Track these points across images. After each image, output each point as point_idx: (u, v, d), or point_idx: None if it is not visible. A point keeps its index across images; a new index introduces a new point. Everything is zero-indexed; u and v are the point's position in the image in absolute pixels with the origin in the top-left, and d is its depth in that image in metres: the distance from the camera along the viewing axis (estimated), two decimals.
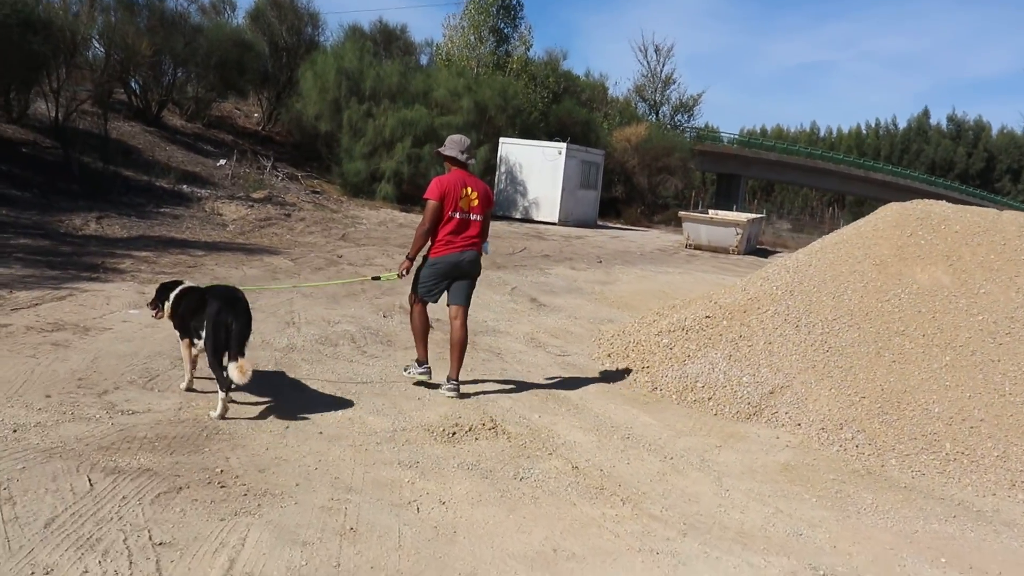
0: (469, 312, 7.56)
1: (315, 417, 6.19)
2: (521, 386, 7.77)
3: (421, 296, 7.33)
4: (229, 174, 23.28)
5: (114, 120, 21.30)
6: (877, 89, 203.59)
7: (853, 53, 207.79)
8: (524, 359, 8.95)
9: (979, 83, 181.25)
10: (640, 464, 5.98)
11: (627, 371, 8.68)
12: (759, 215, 32.31)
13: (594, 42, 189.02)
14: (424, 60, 38.73)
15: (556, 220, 29.31)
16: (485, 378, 7.90)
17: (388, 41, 36.42)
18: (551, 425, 6.63)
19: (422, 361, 7.44)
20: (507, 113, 31.73)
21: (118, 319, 8.45)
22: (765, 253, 28.25)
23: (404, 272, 7.33)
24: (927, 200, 10.42)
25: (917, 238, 9.20)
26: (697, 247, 26.13)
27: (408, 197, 26.74)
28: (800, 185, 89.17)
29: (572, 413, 7.05)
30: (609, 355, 9.31)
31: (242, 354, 5.87)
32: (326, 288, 11.56)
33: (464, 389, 7.32)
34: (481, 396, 7.23)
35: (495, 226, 25.36)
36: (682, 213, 28.35)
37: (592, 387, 8.08)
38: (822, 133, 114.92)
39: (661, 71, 51.83)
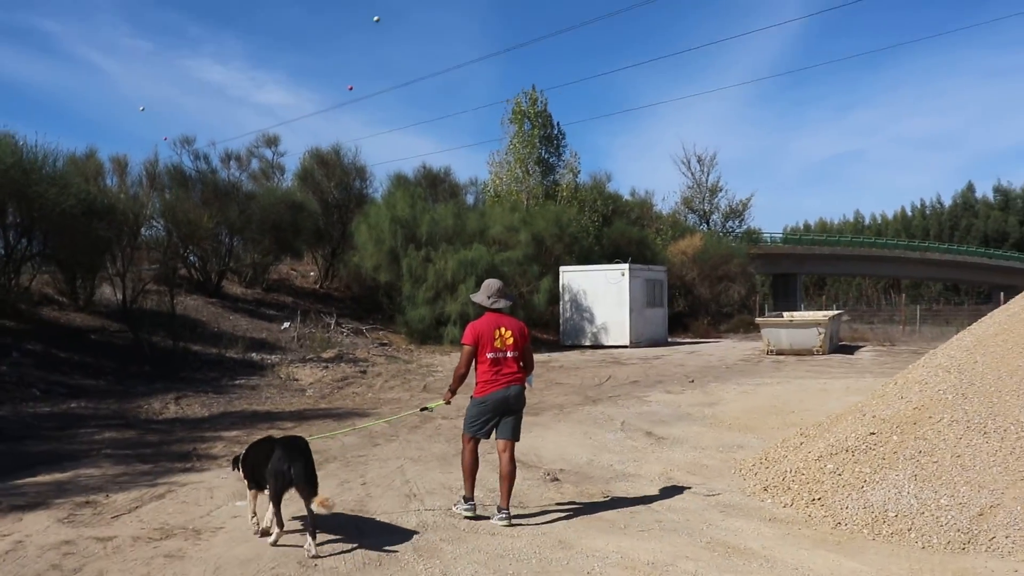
0: (594, 458, 9.03)
1: None
2: (691, 540, 6.80)
3: (472, 434, 7.64)
4: (295, 336, 22.84)
5: (176, 296, 20.99)
6: (910, 171, 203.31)
7: (881, 139, 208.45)
8: (674, 506, 7.98)
9: (1013, 152, 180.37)
10: None
11: (795, 506, 7.68)
12: (838, 312, 31.21)
13: (623, 162, 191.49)
14: (471, 199, 38.78)
15: (628, 343, 28.50)
16: (650, 537, 6.92)
17: (433, 185, 36.50)
18: None
19: (468, 498, 7.67)
20: (563, 241, 31.30)
21: (227, 514, 7.65)
22: (849, 350, 27.13)
23: (448, 401, 8.01)
24: None
25: None
26: (779, 352, 25.12)
27: None
28: (854, 275, 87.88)
29: (765, 569, 6.05)
30: (765, 488, 8.31)
31: (315, 492, 6.46)
32: (432, 448, 10.74)
33: (635, 553, 6.38)
34: (653, 562, 6.26)
35: (571, 357, 24.63)
36: (759, 320, 27.44)
37: (766, 530, 7.08)
38: (867, 221, 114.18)
39: (707, 180, 51.62)
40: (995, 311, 10.29)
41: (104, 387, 15.21)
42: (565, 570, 6.13)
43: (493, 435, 7.60)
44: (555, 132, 38.55)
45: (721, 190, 52.17)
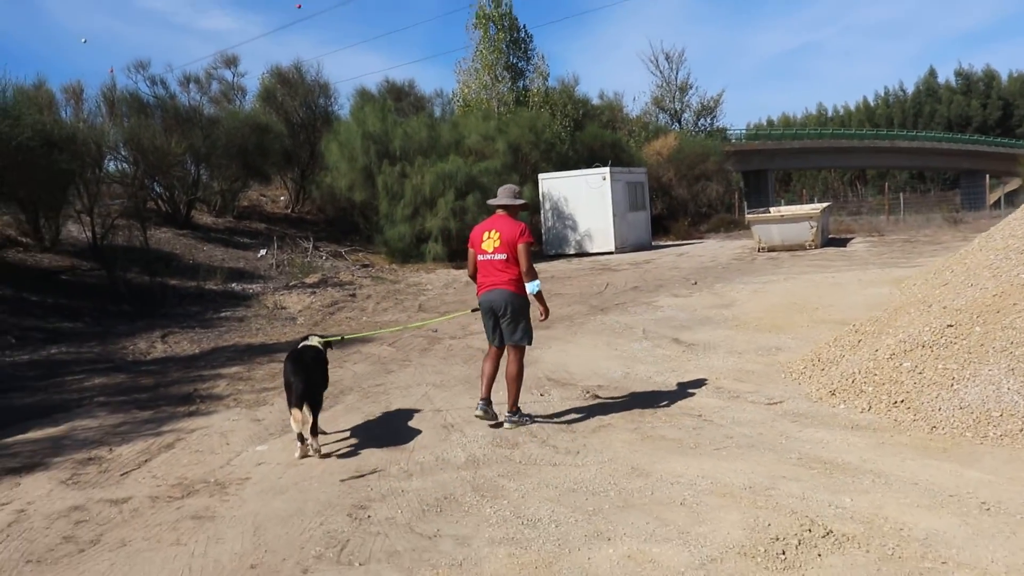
0: (629, 371, 9.17)
1: (581, 563, 4.55)
2: (778, 457, 6.10)
3: (488, 340, 7.65)
4: (273, 263, 21.89)
5: (147, 229, 19.87)
6: (870, 60, 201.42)
7: (837, 28, 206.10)
8: (738, 418, 7.28)
9: (971, 34, 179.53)
10: None
11: (876, 410, 7.00)
12: (827, 204, 30.60)
13: (585, 66, 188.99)
14: (438, 112, 37.49)
15: (613, 249, 27.75)
16: (730, 457, 6.21)
17: (398, 98, 35.25)
18: (877, 509, 4.95)
19: (482, 398, 7.52)
20: (540, 148, 30.30)
21: (250, 462, 6.84)
22: (841, 242, 26.62)
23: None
24: None
25: None
26: (771, 249, 24.52)
27: (459, 253, 25.19)
28: (826, 168, 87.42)
29: (881, 485, 5.36)
30: (832, 393, 7.62)
31: (298, 406, 6.61)
32: (452, 372, 9.97)
33: (725, 477, 5.67)
34: (750, 486, 5.54)
35: (558, 266, 23.89)
36: (749, 216, 26.77)
37: (856, 439, 6.38)
38: (830, 113, 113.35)
39: (676, 78, 50.36)
40: None
41: (83, 329, 14.25)
42: (652, 501, 5.41)
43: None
44: (522, 35, 37.08)
45: (691, 87, 50.97)
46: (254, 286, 18.96)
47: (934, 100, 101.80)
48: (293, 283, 19.49)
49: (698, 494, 5.45)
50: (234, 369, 10.94)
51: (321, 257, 23.69)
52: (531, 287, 7.29)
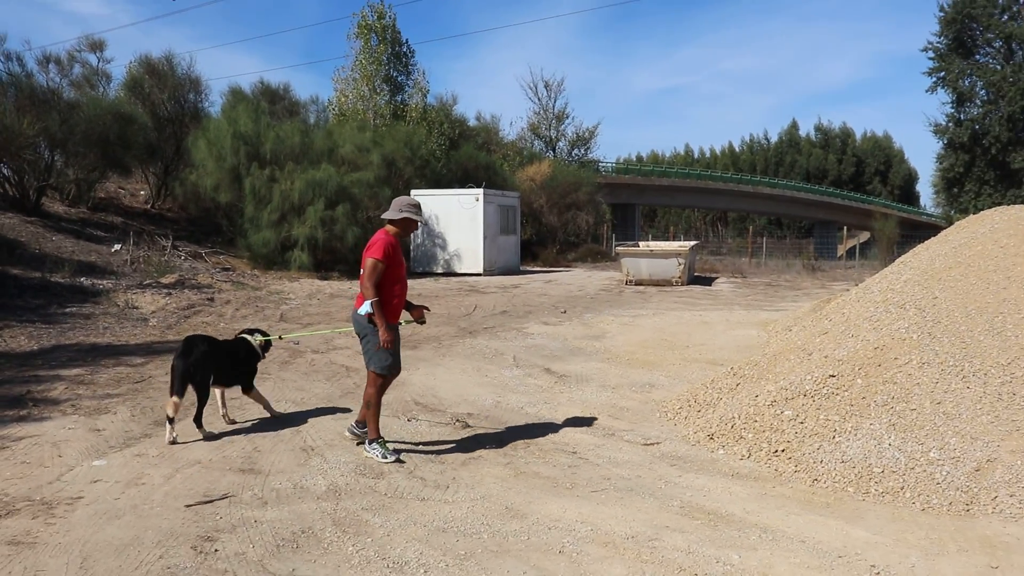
0: (500, 400, 8.86)
1: None
2: (660, 504, 5.80)
3: None
4: (128, 259, 20.71)
5: None
6: (736, 107, 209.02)
7: (707, 74, 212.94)
8: (616, 458, 6.98)
9: (831, 93, 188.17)
10: None
11: (756, 458, 6.80)
12: (695, 242, 31.05)
13: (464, 88, 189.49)
14: (312, 118, 36.55)
15: (481, 270, 27.53)
16: (609, 501, 5.88)
17: (272, 101, 34.21)
18: (766, 569, 4.69)
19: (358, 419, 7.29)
20: (414, 164, 29.78)
21: (84, 479, 6.14)
22: (706, 281, 27.03)
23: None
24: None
25: None
26: (639, 282, 24.69)
27: (324, 264, 24.50)
28: (691, 207, 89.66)
29: (768, 541, 5.11)
30: (711, 437, 7.41)
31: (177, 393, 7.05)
32: (314, 389, 9.41)
33: (606, 524, 5.34)
34: (633, 535, 5.22)
35: (426, 284, 23.50)
36: (620, 248, 26.88)
37: (738, 489, 6.15)
38: (696, 154, 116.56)
39: (554, 106, 50.65)
40: (927, 243, 9.70)
41: None
42: (529, 547, 5.03)
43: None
44: (404, 49, 36.63)
45: (568, 117, 51.38)
46: (105, 282, 17.83)
47: (795, 151, 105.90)
48: (148, 282, 18.44)
49: (578, 542, 5.09)
50: (75, 371, 10.07)
51: (180, 257, 22.59)
52: (362, 308, 6.70)
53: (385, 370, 6.80)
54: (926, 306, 7.77)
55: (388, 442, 6.93)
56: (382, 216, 7.09)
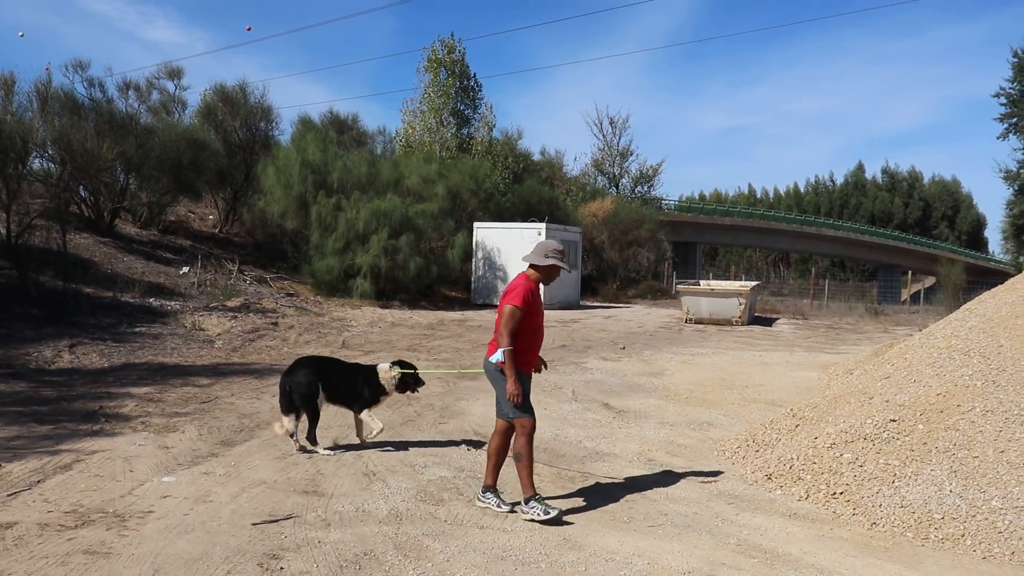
0: (559, 433, 8.65)
1: None
2: (716, 541, 5.82)
3: None
4: (195, 282, 21.19)
5: (67, 232, 19.08)
6: (801, 148, 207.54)
7: (773, 115, 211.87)
8: (673, 495, 7.00)
9: (899, 136, 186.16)
10: None
11: (814, 499, 6.79)
12: (756, 283, 30.89)
13: (528, 123, 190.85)
14: (379, 149, 37.11)
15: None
16: (666, 536, 5.91)
17: (341, 131, 34.74)
18: None
19: (485, 484, 6.63)
20: (479, 197, 30.06)
21: (154, 494, 6.34)
22: (767, 321, 26.82)
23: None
24: None
25: None
26: (698, 320, 24.62)
27: (385, 293, 24.79)
28: (753, 247, 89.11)
29: None
30: (769, 477, 7.40)
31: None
32: (381, 416, 9.56)
33: (662, 558, 5.38)
34: (689, 571, 5.25)
35: (486, 316, 23.60)
36: (680, 287, 26.80)
37: (795, 529, 6.15)
38: (759, 194, 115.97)
39: (618, 143, 50.87)
40: (994, 290, 9.61)
41: None
42: (598, 569, 5.08)
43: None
44: (471, 84, 37.13)
45: (632, 154, 51.55)
46: (173, 303, 18.28)
47: (860, 193, 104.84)
48: (214, 304, 18.85)
49: (635, 575, 5.14)
50: (145, 389, 10.36)
51: (245, 281, 23.05)
52: (494, 356, 6.32)
53: (524, 415, 6.34)
54: (991, 354, 7.70)
55: (545, 498, 6.39)
56: (523, 259, 6.83)
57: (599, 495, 6.94)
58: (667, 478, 7.56)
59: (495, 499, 6.45)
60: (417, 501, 6.47)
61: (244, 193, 28.27)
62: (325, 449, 7.84)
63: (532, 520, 6.10)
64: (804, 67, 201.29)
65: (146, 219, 25.53)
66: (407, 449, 8.11)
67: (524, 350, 6.36)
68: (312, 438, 7.83)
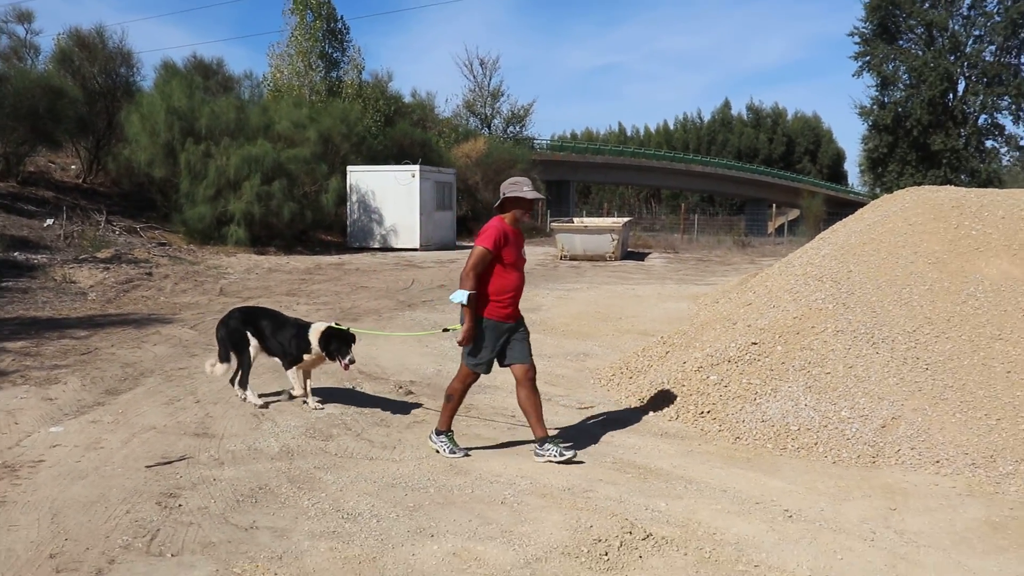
0: (441, 368, 8.94)
1: (405, 558, 4.50)
2: (594, 461, 6.24)
3: None
4: (61, 234, 20.57)
5: None
6: (669, 87, 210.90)
7: (642, 53, 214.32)
8: (552, 420, 7.33)
9: (763, 72, 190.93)
10: (856, 559, 4.60)
11: (683, 419, 7.29)
12: (628, 219, 31.68)
13: (398, 64, 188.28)
14: (246, 94, 36.32)
15: (418, 246, 27.80)
16: (535, 456, 6.30)
17: (206, 76, 33.82)
18: (691, 514, 5.15)
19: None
20: (351, 140, 29.85)
21: (43, 444, 6.38)
22: (639, 256, 27.64)
23: None
24: (936, 188, 9.57)
25: (966, 229, 8.27)
26: (573, 257, 25.23)
27: (260, 239, 24.55)
28: (625, 184, 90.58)
29: (693, 491, 5.58)
30: (642, 401, 7.88)
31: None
32: (263, 359, 9.68)
33: (544, 478, 5.77)
34: (569, 487, 5.65)
35: (363, 259, 23.75)
36: (555, 224, 27.36)
37: (665, 447, 6.63)
38: (629, 132, 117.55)
39: (489, 84, 50.96)
40: (845, 220, 10.27)
41: None
42: (473, 499, 5.42)
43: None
44: (339, 26, 36.62)
45: (503, 95, 51.76)
46: (40, 257, 17.77)
47: (727, 130, 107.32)
48: (84, 256, 18.40)
49: (519, 494, 5.50)
50: (20, 344, 10.19)
51: (115, 232, 22.46)
52: (455, 295, 6.15)
53: (472, 366, 6.35)
54: (841, 279, 8.30)
55: (454, 435, 6.49)
56: (504, 194, 6.45)
57: (483, 424, 7.30)
58: (547, 406, 7.90)
59: (448, 444, 6.38)
60: (307, 438, 6.69)
61: (107, 142, 27.36)
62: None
63: (438, 452, 6.35)
64: (672, 5, 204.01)
65: (3, 171, 24.52)
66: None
67: (497, 294, 6.18)
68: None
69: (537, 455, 6.24)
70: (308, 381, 7.76)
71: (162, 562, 4.41)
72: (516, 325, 6.39)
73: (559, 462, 6.12)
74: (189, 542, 4.65)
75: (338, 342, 7.33)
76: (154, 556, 4.48)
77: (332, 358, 7.35)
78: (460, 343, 6.25)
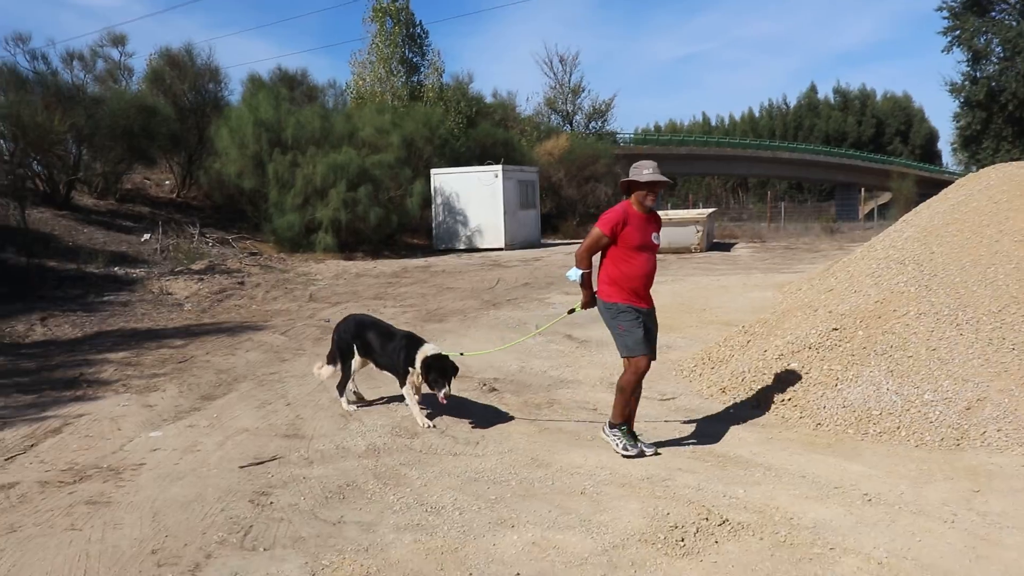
0: (524, 365, 8.77)
1: (487, 549, 4.64)
2: (673, 451, 6.30)
3: None
4: (158, 248, 21.31)
5: (25, 208, 19.12)
6: (754, 73, 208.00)
7: (724, 41, 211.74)
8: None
9: (849, 54, 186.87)
10: (935, 540, 4.58)
11: (764, 407, 7.29)
12: (713, 209, 31.43)
13: (479, 65, 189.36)
14: (330, 103, 37.03)
15: (503, 245, 27.96)
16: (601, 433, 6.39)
17: (290, 87, 34.61)
18: (768, 500, 5.19)
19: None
20: (434, 144, 30.20)
21: (144, 448, 6.70)
22: (725, 247, 27.38)
23: None
24: (1022, 163, 9.32)
25: None
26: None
27: (347, 245, 25.03)
28: (710, 174, 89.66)
29: (771, 478, 5.61)
30: (723, 390, 7.90)
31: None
32: None
33: (624, 468, 5.86)
34: (648, 477, 5.72)
35: (449, 261, 24.00)
36: None
37: (745, 434, 6.66)
38: (714, 122, 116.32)
39: (569, 80, 51.04)
40: (929, 200, 10.10)
41: None
42: (553, 491, 5.54)
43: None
44: (418, 31, 37.09)
45: (584, 90, 51.82)
46: (138, 271, 18.45)
47: (814, 115, 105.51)
48: (179, 269, 19.04)
49: (598, 484, 5.59)
50: (121, 354, 10.65)
51: (208, 244, 23.18)
52: (570, 272, 6.35)
53: (629, 351, 6.20)
54: (924, 261, 8.18)
55: (631, 432, 6.36)
56: (633, 178, 6.30)
57: (565, 419, 7.39)
58: None
59: (622, 439, 6.26)
60: (393, 436, 6.89)
61: (199, 156, 28.23)
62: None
63: (609, 443, 6.30)
64: None
65: (102, 189, 25.48)
66: (379, 388, 8.49)
67: (626, 280, 6.18)
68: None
69: (603, 433, 6.39)
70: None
71: (255, 556, 4.63)
72: (650, 311, 6.44)
73: (619, 453, 6.17)
74: (280, 537, 4.87)
75: (436, 373, 7.06)
76: (247, 550, 4.70)
77: (430, 387, 7.14)
78: (583, 307, 6.54)
